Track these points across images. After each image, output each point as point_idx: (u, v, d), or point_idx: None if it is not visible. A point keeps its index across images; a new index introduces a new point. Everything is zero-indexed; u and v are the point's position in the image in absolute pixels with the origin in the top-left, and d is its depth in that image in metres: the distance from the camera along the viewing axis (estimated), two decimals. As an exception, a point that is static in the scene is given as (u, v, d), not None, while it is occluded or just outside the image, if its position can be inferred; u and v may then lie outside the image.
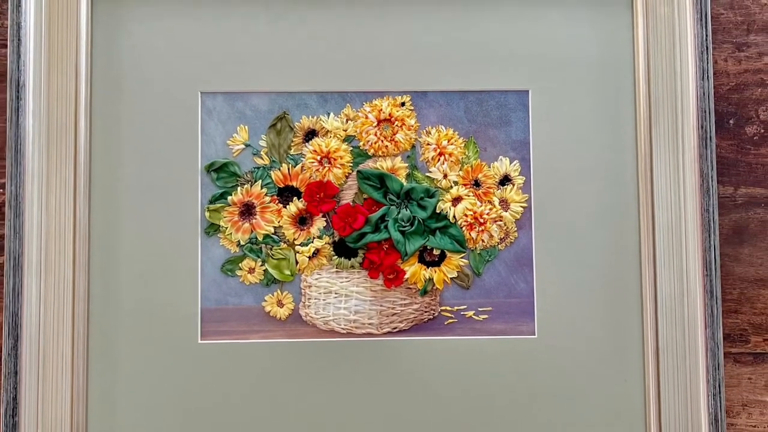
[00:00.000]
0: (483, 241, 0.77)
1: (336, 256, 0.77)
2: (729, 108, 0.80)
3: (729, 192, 0.79)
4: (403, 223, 0.77)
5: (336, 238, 0.77)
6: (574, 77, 0.79)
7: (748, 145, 0.80)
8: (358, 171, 0.77)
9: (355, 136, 0.77)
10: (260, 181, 0.76)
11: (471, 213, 0.77)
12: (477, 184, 0.77)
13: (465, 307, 0.78)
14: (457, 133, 0.78)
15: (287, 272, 0.77)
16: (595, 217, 0.78)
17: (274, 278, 0.77)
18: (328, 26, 0.78)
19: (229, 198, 0.76)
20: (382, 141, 0.76)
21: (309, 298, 0.77)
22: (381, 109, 0.77)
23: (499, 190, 0.78)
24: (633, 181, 0.78)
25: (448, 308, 0.78)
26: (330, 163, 0.76)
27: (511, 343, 0.78)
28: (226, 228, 0.76)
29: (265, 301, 0.77)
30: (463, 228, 0.77)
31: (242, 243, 0.77)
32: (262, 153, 0.77)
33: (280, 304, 0.77)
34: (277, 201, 0.77)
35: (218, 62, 0.78)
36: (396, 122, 0.77)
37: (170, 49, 0.78)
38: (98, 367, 0.76)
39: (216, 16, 0.78)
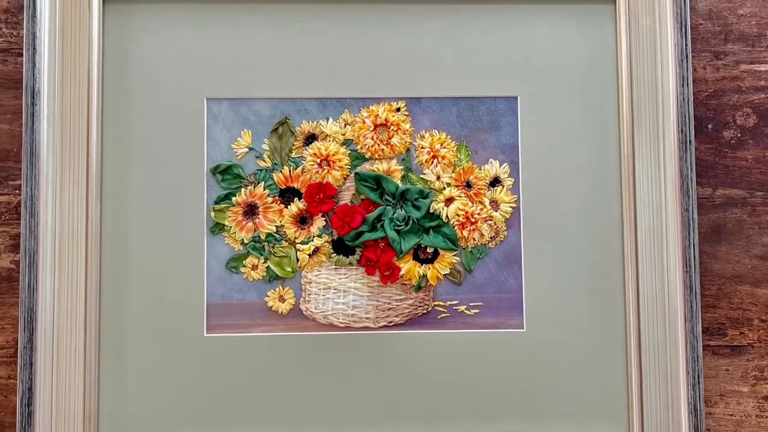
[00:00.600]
0: (474, 239, 0.78)
1: (335, 254, 0.77)
2: (707, 113, 0.80)
3: (707, 193, 0.80)
4: (398, 223, 0.77)
5: (335, 237, 0.77)
6: (561, 84, 0.79)
7: (725, 149, 0.80)
8: (355, 173, 0.77)
9: (353, 139, 0.77)
10: (263, 182, 0.77)
11: (463, 213, 0.78)
12: (468, 185, 0.78)
13: (457, 302, 0.78)
14: (449, 137, 0.78)
15: (288, 269, 0.77)
16: (581, 217, 0.79)
17: (276, 275, 0.77)
18: (327, 37, 0.79)
19: (234, 199, 0.77)
20: (379, 144, 0.77)
21: (309, 294, 0.77)
22: (377, 115, 0.77)
23: (490, 191, 0.78)
24: (616, 182, 0.79)
25: (441, 303, 0.78)
26: (329, 165, 0.77)
27: (500, 336, 0.78)
28: (231, 227, 0.77)
29: (268, 296, 0.77)
30: (456, 227, 0.78)
31: (246, 241, 0.77)
32: (264, 156, 0.77)
33: (281, 299, 0.77)
34: (278, 201, 0.77)
35: (223, 70, 0.78)
36: (392, 127, 0.77)
37: (177, 58, 0.78)
38: (109, 358, 0.77)
39: (221, 27, 0.78)
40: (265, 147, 0.77)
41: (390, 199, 0.77)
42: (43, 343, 0.75)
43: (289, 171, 0.77)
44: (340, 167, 0.77)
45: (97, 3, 0.76)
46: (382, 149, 0.77)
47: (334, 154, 0.77)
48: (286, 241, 0.77)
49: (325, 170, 0.77)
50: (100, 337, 0.77)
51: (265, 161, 0.77)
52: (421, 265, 0.78)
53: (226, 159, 0.78)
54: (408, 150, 0.78)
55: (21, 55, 0.78)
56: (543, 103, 0.79)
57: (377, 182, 0.77)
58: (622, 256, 0.78)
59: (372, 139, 0.77)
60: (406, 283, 0.78)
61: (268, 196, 0.77)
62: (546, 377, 0.78)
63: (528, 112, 0.79)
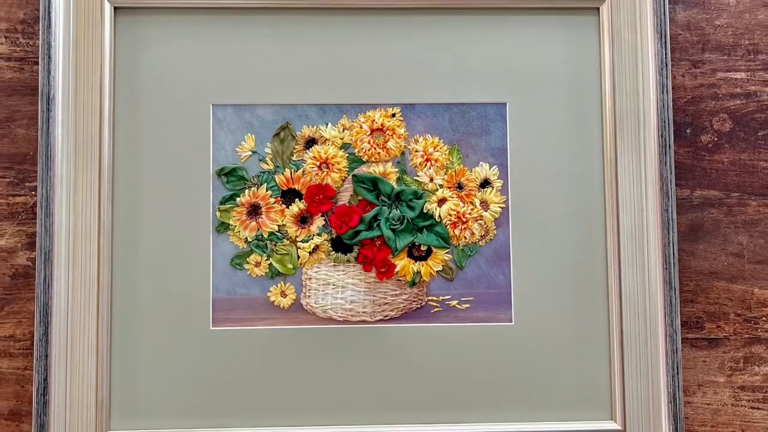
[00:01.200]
0: (465, 238, 0.79)
1: (333, 252, 0.78)
2: (686, 119, 0.81)
3: (686, 194, 0.81)
4: (393, 222, 0.78)
5: (333, 236, 0.78)
6: (548, 91, 0.80)
7: (703, 152, 0.81)
8: (353, 175, 0.78)
9: (350, 143, 0.78)
10: (265, 184, 0.78)
11: (454, 213, 0.78)
12: (460, 186, 0.78)
13: (449, 297, 0.79)
14: (442, 141, 0.79)
15: (290, 266, 0.78)
16: (566, 217, 0.79)
17: (278, 271, 0.78)
18: (326, 47, 0.79)
19: (238, 199, 0.78)
20: (375, 148, 0.78)
21: (309, 289, 0.78)
22: (374, 120, 0.78)
23: (480, 193, 0.79)
24: (600, 184, 0.79)
25: (434, 298, 0.79)
26: (328, 168, 0.77)
27: (490, 329, 0.79)
28: (235, 226, 0.78)
29: (270, 291, 0.78)
30: (448, 226, 0.78)
31: (249, 240, 0.78)
32: (267, 159, 0.78)
33: (283, 294, 0.78)
34: (280, 202, 0.78)
35: (228, 78, 0.79)
36: (387, 131, 0.78)
37: (185, 66, 0.79)
38: (120, 350, 0.78)
39: (226, 37, 0.79)
40: (268, 150, 0.78)
41: (386, 199, 0.78)
42: (58, 335, 0.75)
43: (291, 173, 0.78)
44: (339, 170, 0.77)
45: (108, 14, 0.77)
46: (379, 153, 0.78)
47: (333, 157, 0.77)
48: (287, 239, 0.78)
49: (325, 172, 0.77)
50: (111, 330, 0.77)
51: (267, 164, 0.78)
52: (415, 262, 0.78)
53: (231, 162, 0.78)
54: (403, 153, 0.79)
55: (37, 63, 0.79)
56: (530, 109, 0.80)
57: (374, 184, 0.78)
58: (605, 253, 0.79)
59: (369, 143, 0.78)
60: (401, 279, 0.79)
61: (270, 197, 0.78)
62: (533, 368, 0.79)
63: (516, 117, 0.79)
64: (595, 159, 0.79)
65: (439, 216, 0.78)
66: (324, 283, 0.78)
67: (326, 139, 0.78)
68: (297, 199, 0.78)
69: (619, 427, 0.77)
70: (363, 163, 0.78)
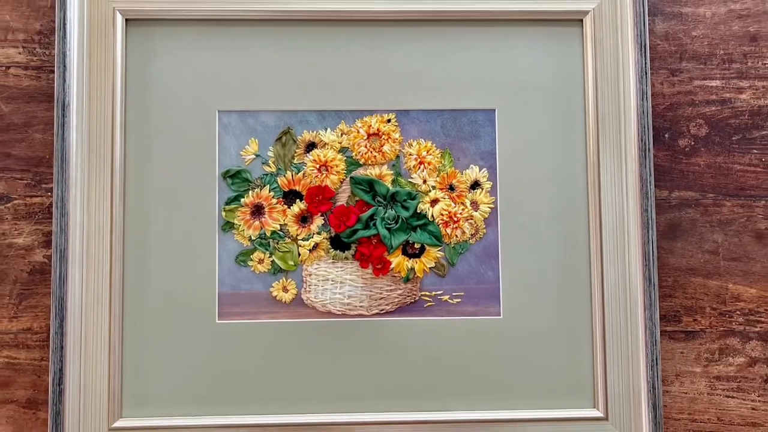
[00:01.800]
0: (456, 236, 0.79)
1: (332, 249, 0.79)
2: (664, 124, 0.82)
3: (665, 195, 0.82)
4: (389, 222, 0.79)
5: (332, 234, 0.79)
6: (534, 98, 0.81)
7: (680, 156, 0.82)
8: (351, 177, 0.79)
9: (348, 147, 0.79)
10: (268, 185, 0.79)
11: (446, 213, 0.79)
12: (451, 188, 0.80)
13: (441, 292, 0.80)
14: (434, 145, 0.80)
15: (291, 263, 0.79)
16: (552, 216, 0.80)
17: (280, 268, 0.79)
18: (325, 56, 0.80)
19: (242, 200, 0.79)
20: (372, 152, 0.79)
21: (309, 285, 0.79)
22: (370, 125, 0.79)
23: (470, 194, 0.80)
24: (583, 185, 0.80)
25: (427, 293, 0.80)
26: (327, 170, 0.79)
27: (480, 322, 0.80)
28: (240, 225, 0.79)
29: (273, 287, 0.79)
30: (440, 225, 0.79)
31: (253, 238, 0.79)
32: (269, 162, 0.79)
33: (285, 289, 0.79)
34: (282, 202, 0.79)
35: (233, 85, 0.80)
36: (383, 136, 0.79)
37: (192, 75, 0.80)
38: (131, 342, 0.79)
39: (231, 47, 0.80)
40: (270, 154, 0.79)
41: (381, 200, 0.79)
42: (72, 328, 0.77)
43: (292, 175, 0.79)
44: (337, 172, 0.79)
45: (120, 25, 0.79)
46: (375, 156, 0.79)
47: (331, 160, 0.79)
48: (289, 237, 0.79)
49: (324, 175, 0.79)
50: (123, 323, 0.78)
51: (270, 167, 0.79)
52: (409, 259, 0.79)
53: (236, 165, 0.79)
54: (397, 157, 0.80)
55: (53, 72, 0.80)
56: (518, 115, 0.80)
57: (370, 185, 0.79)
58: (589, 251, 0.80)
59: (365, 147, 0.79)
60: (396, 275, 0.80)
61: (272, 197, 0.79)
62: (520, 359, 0.80)
63: (504, 122, 0.80)
64: (578, 162, 0.80)
65: (432, 216, 0.79)
66: (323, 279, 0.79)
67: (325, 143, 0.79)
68: (298, 200, 0.79)
69: (601, 415, 0.78)
70: (360, 165, 0.79)
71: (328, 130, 0.80)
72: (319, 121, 0.80)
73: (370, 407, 0.79)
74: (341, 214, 0.79)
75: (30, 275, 0.80)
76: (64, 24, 0.77)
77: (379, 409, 0.79)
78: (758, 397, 0.81)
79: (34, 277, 0.80)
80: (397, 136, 0.80)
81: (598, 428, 0.78)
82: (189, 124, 0.80)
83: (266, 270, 0.79)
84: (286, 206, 0.79)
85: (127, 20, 0.79)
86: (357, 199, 0.79)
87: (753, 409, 0.81)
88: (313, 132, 0.80)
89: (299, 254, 0.79)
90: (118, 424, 0.78)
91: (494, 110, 0.80)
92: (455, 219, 0.79)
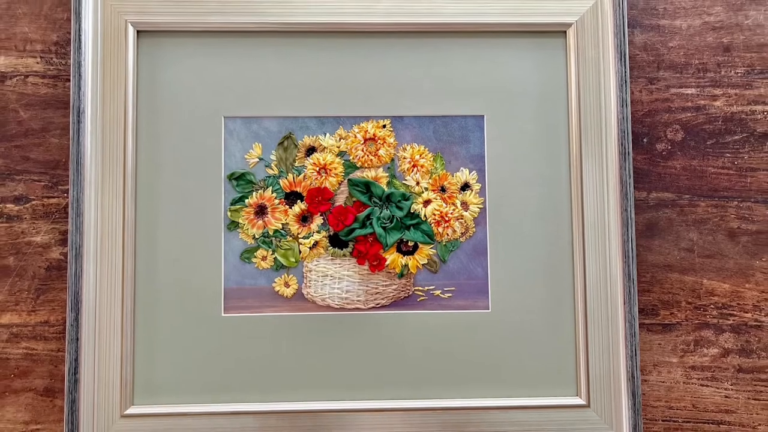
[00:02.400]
0: (448, 235, 0.81)
1: (331, 247, 0.80)
2: (643, 129, 0.84)
3: (643, 196, 0.83)
4: (384, 221, 0.80)
5: (331, 233, 0.80)
6: (521, 105, 0.82)
7: (658, 159, 0.83)
8: (348, 179, 0.80)
9: (346, 151, 0.80)
10: (271, 187, 0.80)
11: (438, 212, 0.81)
12: (443, 189, 0.81)
13: (433, 287, 0.81)
14: (427, 149, 0.81)
15: (292, 259, 0.80)
16: (537, 216, 0.81)
17: (282, 264, 0.80)
18: (325, 65, 0.82)
19: (247, 201, 0.80)
20: (368, 155, 0.80)
21: (309, 280, 0.80)
22: (367, 130, 0.81)
23: (461, 195, 0.81)
24: (567, 187, 0.81)
25: (420, 288, 0.81)
26: (326, 173, 0.80)
27: (470, 316, 0.81)
28: (244, 224, 0.80)
29: (275, 282, 0.80)
30: (432, 224, 0.81)
31: (257, 236, 0.80)
32: (272, 165, 0.81)
33: (286, 285, 0.80)
34: (284, 203, 0.80)
35: (238, 93, 0.81)
36: (379, 140, 0.80)
37: (200, 83, 0.81)
38: (142, 334, 0.80)
39: (235, 57, 0.81)
40: (273, 157, 0.81)
41: (377, 201, 0.81)
42: (87, 321, 0.78)
43: (293, 177, 0.80)
44: (336, 174, 0.80)
45: (132, 37, 0.80)
46: (371, 159, 0.80)
47: (330, 164, 0.80)
48: (290, 236, 0.80)
49: (323, 177, 0.80)
50: (134, 316, 0.80)
51: (272, 169, 0.81)
52: (404, 256, 0.81)
53: (240, 167, 0.81)
54: (392, 160, 0.81)
55: (68, 80, 0.82)
56: (505, 121, 0.82)
57: (367, 187, 0.80)
58: (572, 248, 0.81)
59: (362, 150, 0.80)
60: (390, 271, 0.81)
61: (275, 198, 0.80)
62: (508, 350, 0.81)
63: (493, 128, 0.82)
64: (562, 164, 0.82)
65: (425, 215, 0.81)
66: (323, 274, 0.81)
67: (324, 147, 0.81)
68: (299, 201, 0.80)
69: (583, 402, 0.80)
70: (357, 168, 0.81)
71: (327, 135, 0.81)
72: (318, 127, 0.81)
73: (366, 395, 0.81)
74: (339, 213, 0.80)
75: (47, 271, 0.82)
76: (79, 35, 0.79)
77: (375, 396, 0.80)
78: (731, 385, 0.83)
79: (51, 273, 0.82)
80: (392, 140, 0.81)
81: (580, 415, 0.80)
82: (196, 130, 0.81)
83: (269, 266, 0.80)
84: (287, 206, 0.80)
85: (138, 32, 0.81)
86: (354, 199, 0.81)
87: (726, 396, 0.83)
88: (313, 137, 0.81)
89: (300, 252, 0.80)
90: (130, 411, 0.79)
91: (483, 116, 0.82)
92: (446, 218, 0.81)
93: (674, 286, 0.84)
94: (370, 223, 0.81)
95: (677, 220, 0.84)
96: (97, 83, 0.79)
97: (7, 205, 0.82)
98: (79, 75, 0.79)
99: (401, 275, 0.81)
